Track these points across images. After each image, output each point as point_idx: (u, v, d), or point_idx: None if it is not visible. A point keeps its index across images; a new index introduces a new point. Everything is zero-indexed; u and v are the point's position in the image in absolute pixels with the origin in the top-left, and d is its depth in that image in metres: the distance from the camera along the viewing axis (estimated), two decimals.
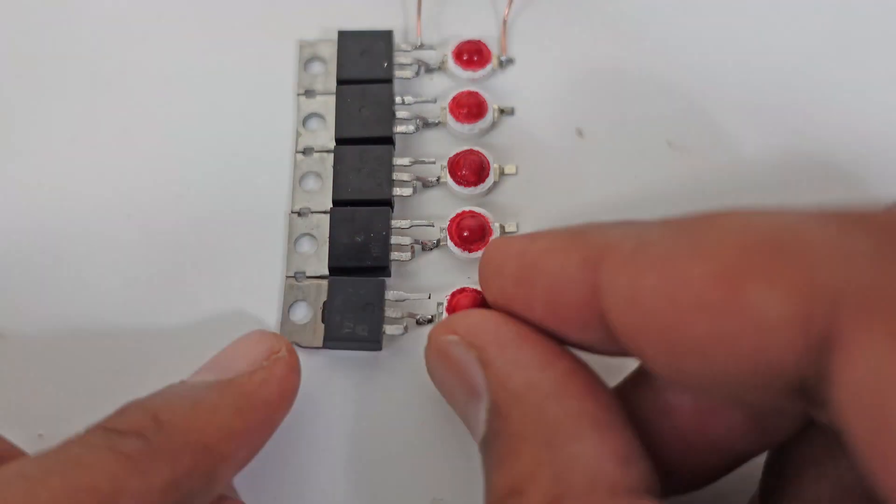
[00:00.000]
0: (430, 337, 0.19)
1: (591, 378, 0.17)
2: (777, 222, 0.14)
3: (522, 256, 0.17)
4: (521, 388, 0.16)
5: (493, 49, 0.27)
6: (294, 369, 0.21)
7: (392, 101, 0.26)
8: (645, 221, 0.16)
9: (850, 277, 0.12)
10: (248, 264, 0.24)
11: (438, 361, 0.19)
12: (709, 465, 0.17)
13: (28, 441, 0.22)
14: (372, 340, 0.23)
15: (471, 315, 0.19)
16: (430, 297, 0.24)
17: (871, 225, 0.13)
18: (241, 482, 0.22)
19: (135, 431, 0.17)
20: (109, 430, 0.17)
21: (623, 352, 0.16)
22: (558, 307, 0.17)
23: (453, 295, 0.24)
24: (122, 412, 0.18)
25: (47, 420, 0.23)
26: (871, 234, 0.13)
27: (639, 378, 0.18)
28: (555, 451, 0.15)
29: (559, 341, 0.17)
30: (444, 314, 0.23)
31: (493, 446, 0.16)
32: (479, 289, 0.24)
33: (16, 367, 0.23)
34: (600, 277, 0.15)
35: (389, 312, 0.23)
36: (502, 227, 0.25)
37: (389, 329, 0.23)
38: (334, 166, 0.25)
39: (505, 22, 0.27)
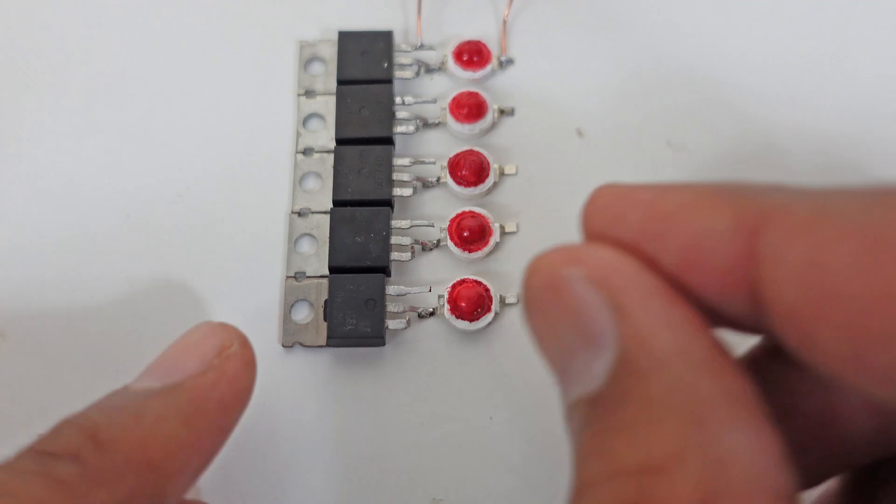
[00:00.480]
0: (537, 266, 0.15)
1: (734, 358, 0.14)
2: None
3: (652, 207, 0.15)
4: (669, 351, 0.14)
5: (493, 49, 0.27)
6: (248, 364, 0.19)
7: (392, 102, 0.26)
8: (810, 188, 0.13)
9: None
10: (248, 264, 0.24)
11: (548, 295, 0.15)
12: (821, 467, 0.15)
13: (29, 440, 0.22)
14: (375, 336, 0.23)
15: (602, 250, 0.15)
16: (430, 291, 0.24)
17: None
18: (240, 480, 0.22)
19: (70, 454, 0.16)
20: (42, 453, 0.16)
21: (762, 330, 0.14)
22: (696, 271, 0.14)
23: (454, 287, 0.24)
24: (57, 432, 0.17)
25: (48, 420, 0.23)
26: None
27: (769, 358, 0.16)
28: (708, 436, 0.13)
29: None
30: (447, 306, 0.23)
31: (618, 407, 0.14)
32: (480, 280, 0.24)
33: (16, 367, 0.23)
34: (762, 244, 0.13)
35: (391, 307, 0.23)
36: (502, 227, 0.25)
37: (392, 324, 0.23)
38: (334, 166, 0.25)
39: (505, 22, 0.27)
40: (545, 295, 0.15)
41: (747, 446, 0.13)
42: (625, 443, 0.13)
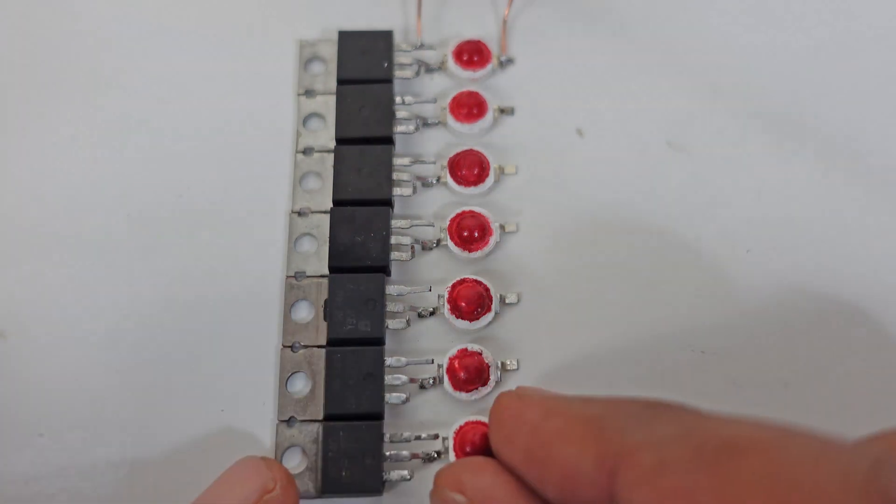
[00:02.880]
0: (436, 483, 0.19)
1: None
2: (806, 476, 0.14)
3: (535, 433, 0.17)
4: None
5: (493, 48, 0.27)
6: None
7: (392, 101, 0.26)
8: (665, 423, 0.16)
9: None
10: (248, 263, 0.24)
11: None
12: None
13: (29, 440, 0.22)
14: (374, 336, 0.23)
15: (481, 474, 0.18)
16: (430, 290, 0.24)
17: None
18: None
19: None
20: None
21: None
22: (570, 494, 0.16)
23: (454, 286, 0.24)
24: None
25: (47, 420, 0.23)
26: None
27: None
28: None
29: None
30: (447, 306, 0.23)
31: None
32: (480, 280, 0.24)
33: (16, 367, 0.23)
34: (618, 486, 0.15)
35: (391, 307, 0.23)
36: (502, 227, 0.25)
37: (392, 323, 0.23)
38: (334, 166, 0.25)
39: (505, 22, 0.27)
40: None
41: None
42: None
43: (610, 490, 0.15)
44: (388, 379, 0.23)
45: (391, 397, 0.23)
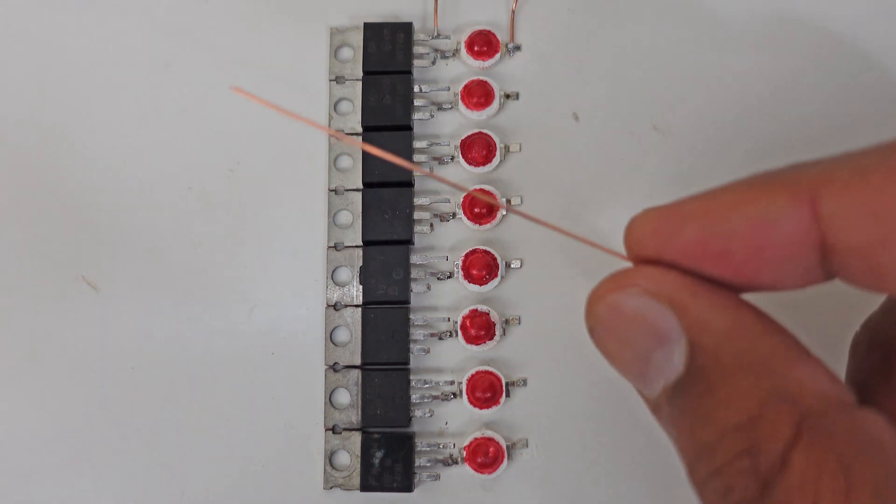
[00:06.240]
0: (596, 295, 0.18)
1: (772, 319, 0.18)
2: None
3: (706, 216, 0.17)
4: (728, 326, 0.17)
5: (503, 35, 0.30)
6: None
7: (411, 90, 0.29)
8: (833, 157, 0.17)
9: None
10: (293, 233, 0.29)
11: (614, 316, 0.18)
12: None
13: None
14: (401, 299, 0.28)
15: (647, 269, 0.18)
16: (447, 259, 0.29)
17: None
18: None
19: None
20: None
21: (824, 279, 0.17)
22: (765, 252, 0.17)
23: (467, 256, 0.28)
24: None
25: (133, 368, 0.28)
26: None
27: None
28: (779, 378, 0.16)
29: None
30: (461, 273, 0.28)
31: (701, 382, 0.17)
32: (489, 250, 0.28)
33: (107, 318, 0.29)
34: (822, 206, 0.16)
35: (414, 273, 0.28)
36: (508, 201, 0.29)
37: (415, 287, 0.28)
38: (363, 151, 0.29)
39: (513, 11, 0.30)
40: (611, 316, 0.18)
41: (811, 376, 0.16)
42: (721, 407, 0.16)
43: (811, 218, 0.16)
44: (413, 334, 0.28)
45: (415, 349, 0.28)
